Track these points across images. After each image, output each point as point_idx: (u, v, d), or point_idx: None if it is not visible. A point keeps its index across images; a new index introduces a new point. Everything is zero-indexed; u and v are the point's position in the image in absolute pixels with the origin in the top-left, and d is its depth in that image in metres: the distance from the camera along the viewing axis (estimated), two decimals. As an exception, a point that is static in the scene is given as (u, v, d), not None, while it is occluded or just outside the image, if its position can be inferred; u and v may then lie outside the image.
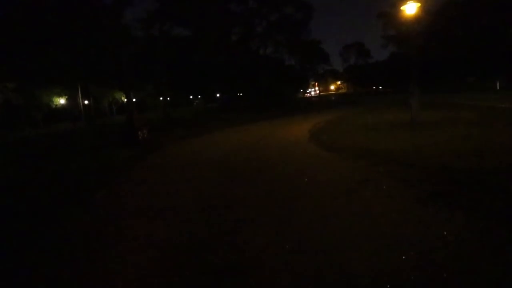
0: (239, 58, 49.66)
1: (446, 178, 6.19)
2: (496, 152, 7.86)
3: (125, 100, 35.77)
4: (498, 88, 41.96)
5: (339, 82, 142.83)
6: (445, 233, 4.05)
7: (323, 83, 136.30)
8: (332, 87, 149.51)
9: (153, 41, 39.53)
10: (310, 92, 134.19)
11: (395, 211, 4.93)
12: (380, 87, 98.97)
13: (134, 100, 49.44)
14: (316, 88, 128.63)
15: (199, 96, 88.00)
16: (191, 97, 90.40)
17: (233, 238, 4.53)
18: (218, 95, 75.63)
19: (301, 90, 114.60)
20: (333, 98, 78.58)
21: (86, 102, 42.90)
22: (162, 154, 13.64)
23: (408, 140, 10.44)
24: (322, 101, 61.35)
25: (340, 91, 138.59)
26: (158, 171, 10.14)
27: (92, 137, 23.41)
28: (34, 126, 44.34)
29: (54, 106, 46.82)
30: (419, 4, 13.48)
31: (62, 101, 46.97)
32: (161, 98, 56.45)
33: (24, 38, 29.36)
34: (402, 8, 14.05)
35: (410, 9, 13.66)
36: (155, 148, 14.98)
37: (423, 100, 17.36)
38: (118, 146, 16.41)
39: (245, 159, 10.64)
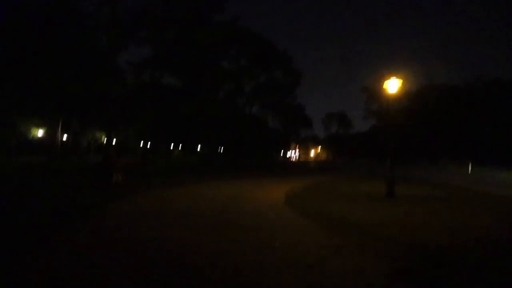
0: (225, 114, 50.48)
1: (417, 254, 6.17)
2: (465, 231, 7.96)
3: (105, 140, 35.41)
4: (469, 171, 43.45)
5: (319, 149, 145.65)
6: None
7: (304, 147, 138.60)
8: (313, 153, 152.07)
9: (143, 86, 40.01)
10: (290, 155, 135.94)
11: (366, 285, 4.82)
12: (360, 158, 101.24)
13: (114, 141, 48.93)
14: (297, 152, 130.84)
15: (180, 147, 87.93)
16: (171, 146, 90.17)
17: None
18: (199, 147, 75.69)
19: (282, 152, 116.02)
20: (312, 163, 79.53)
21: (65, 137, 42.23)
22: (131, 201, 13.15)
23: (383, 213, 10.50)
24: (302, 165, 62.01)
25: (320, 157, 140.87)
26: (121, 222, 9.63)
27: (64, 174, 22.71)
28: (7, 154, 42.91)
29: (31, 137, 45.76)
30: (401, 81, 14.18)
31: (40, 132, 46.04)
32: (141, 144, 56.11)
33: (8, 64, 29.18)
34: (384, 84, 14.75)
35: (392, 86, 14.32)
36: (127, 194, 14.49)
37: (399, 175, 17.72)
38: (89, 186, 15.90)
39: (217, 216, 10.36)
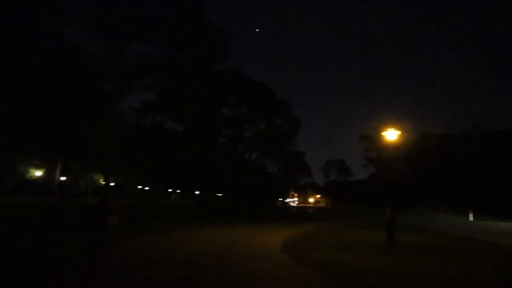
0: (224, 160, 50.61)
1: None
2: (466, 282, 7.72)
3: (103, 182, 35.27)
4: (471, 219, 43.05)
5: (318, 196, 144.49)
6: None
7: (303, 194, 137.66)
8: (311, 200, 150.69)
9: (144, 129, 40.44)
10: (289, 202, 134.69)
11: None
12: (360, 205, 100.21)
13: (112, 184, 48.69)
14: (296, 198, 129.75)
15: (178, 191, 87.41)
16: (169, 190, 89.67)
17: None
18: (196, 192, 75.22)
19: (281, 199, 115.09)
20: (311, 210, 78.44)
21: (63, 178, 42.07)
22: (125, 246, 12.90)
23: (383, 262, 10.25)
24: (301, 212, 61.20)
25: (319, 204, 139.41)
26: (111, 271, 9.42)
27: (61, 215, 22.40)
28: (3, 194, 42.63)
29: (29, 177, 45.62)
30: (399, 132, 14.27)
31: (38, 173, 45.95)
32: (139, 187, 55.81)
33: (9, 104, 29.47)
34: (383, 133, 14.85)
35: (390, 136, 14.41)
36: (121, 239, 14.19)
37: (399, 222, 17.48)
38: (83, 229, 15.64)
39: (213, 264, 10.09)
